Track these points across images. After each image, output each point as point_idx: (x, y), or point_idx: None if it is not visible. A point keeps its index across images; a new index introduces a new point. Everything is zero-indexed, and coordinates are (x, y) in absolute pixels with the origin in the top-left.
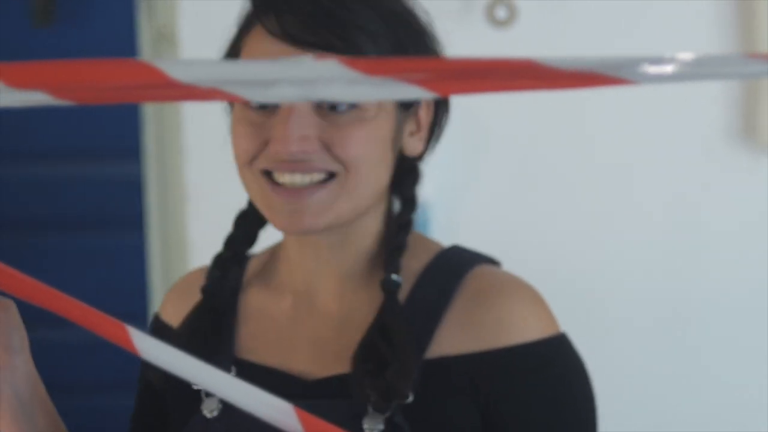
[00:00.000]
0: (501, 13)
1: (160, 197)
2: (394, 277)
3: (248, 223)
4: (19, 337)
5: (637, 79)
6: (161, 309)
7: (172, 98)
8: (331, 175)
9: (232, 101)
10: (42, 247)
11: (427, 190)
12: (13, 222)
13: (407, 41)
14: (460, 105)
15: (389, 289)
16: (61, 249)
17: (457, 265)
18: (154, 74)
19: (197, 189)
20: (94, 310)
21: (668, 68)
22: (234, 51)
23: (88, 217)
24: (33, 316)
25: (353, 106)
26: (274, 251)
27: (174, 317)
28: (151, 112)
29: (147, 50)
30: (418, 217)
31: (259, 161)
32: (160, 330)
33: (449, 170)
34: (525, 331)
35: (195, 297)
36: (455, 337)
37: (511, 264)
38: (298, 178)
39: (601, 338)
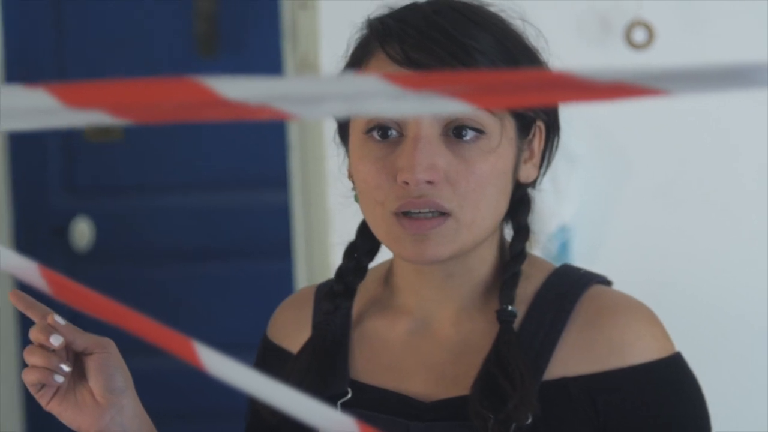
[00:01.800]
0: (639, 36)
1: (305, 224)
2: (509, 308)
3: (358, 254)
4: (122, 376)
5: (672, 90)
6: (269, 329)
7: (223, 116)
8: (447, 213)
9: (282, 118)
10: (195, 274)
11: (567, 213)
12: (168, 250)
13: (522, 59)
14: (601, 129)
15: (505, 319)
16: (214, 276)
17: (571, 286)
18: (205, 93)
19: (340, 215)
20: (160, 325)
21: (701, 77)
22: None
23: (238, 244)
24: (133, 346)
25: (479, 133)
26: (386, 278)
27: (282, 338)
28: (296, 140)
29: (292, 76)
30: (559, 239)
31: (390, 202)
32: (268, 350)
33: (590, 194)
34: (642, 351)
35: (303, 317)
36: (573, 358)
37: (653, 286)
38: (422, 210)
39: (750, 360)
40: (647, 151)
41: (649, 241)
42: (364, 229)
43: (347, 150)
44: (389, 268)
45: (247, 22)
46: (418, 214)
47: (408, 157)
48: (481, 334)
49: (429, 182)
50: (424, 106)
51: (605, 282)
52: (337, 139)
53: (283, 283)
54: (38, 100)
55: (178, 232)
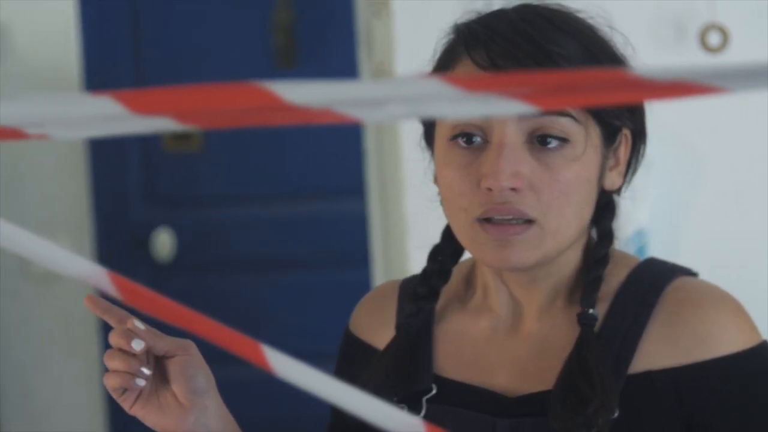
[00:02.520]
0: (714, 39)
1: (383, 232)
2: (591, 311)
3: (443, 257)
4: (204, 377)
5: (732, 87)
6: (352, 323)
7: (286, 120)
8: (531, 220)
9: (344, 122)
10: (275, 283)
11: (643, 216)
12: (249, 260)
13: (608, 66)
14: (675, 132)
15: (585, 323)
16: (293, 285)
17: (656, 279)
18: (269, 97)
19: (417, 222)
20: (229, 329)
21: (760, 74)
22: None
23: (317, 253)
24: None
25: (563, 141)
26: (468, 277)
27: (365, 332)
28: (372, 147)
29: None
30: (635, 243)
31: (473, 209)
32: (351, 344)
33: (666, 196)
34: (727, 343)
35: (387, 313)
36: (658, 351)
37: (730, 287)
38: (505, 217)
39: None
40: (722, 153)
41: (725, 243)
42: (448, 233)
43: (432, 155)
44: (471, 267)
45: (324, 33)
46: (502, 221)
47: (492, 163)
48: (564, 331)
49: (513, 189)
50: (484, 108)
51: (691, 274)
52: (423, 143)
53: (362, 291)
54: (105, 107)
55: (257, 241)
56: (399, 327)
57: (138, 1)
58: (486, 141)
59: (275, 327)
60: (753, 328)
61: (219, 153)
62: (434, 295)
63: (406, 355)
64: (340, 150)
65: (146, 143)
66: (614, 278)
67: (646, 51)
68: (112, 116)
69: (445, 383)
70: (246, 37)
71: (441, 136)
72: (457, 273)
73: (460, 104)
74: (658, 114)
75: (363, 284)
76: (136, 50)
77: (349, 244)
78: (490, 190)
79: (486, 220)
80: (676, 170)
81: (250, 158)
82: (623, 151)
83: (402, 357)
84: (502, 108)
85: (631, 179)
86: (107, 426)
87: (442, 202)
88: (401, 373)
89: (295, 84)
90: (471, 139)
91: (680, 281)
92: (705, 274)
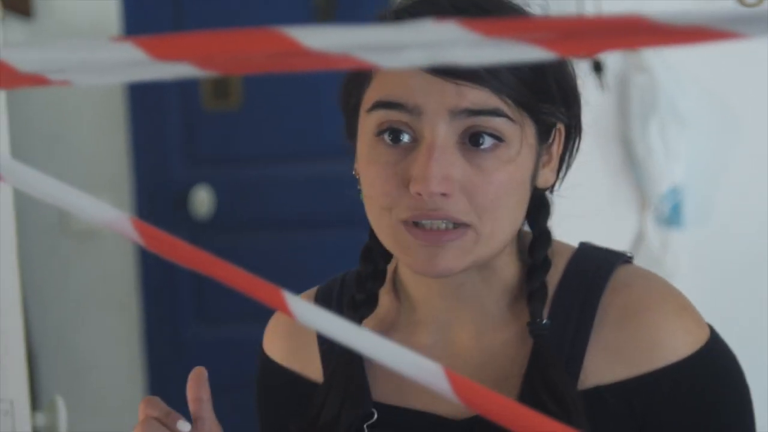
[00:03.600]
0: None
1: None
2: (544, 321)
3: (375, 258)
4: None
5: (750, 33)
6: (268, 349)
7: (306, 66)
8: (466, 224)
9: (363, 67)
10: (313, 241)
11: (678, 173)
12: (288, 218)
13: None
14: (711, 89)
15: (539, 333)
16: (332, 243)
17: (595, 272)
18: (288, 43)
19: None
20: (251, 275)
21: None
22: (365, 75)
23: (355, 212)
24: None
25: (497, 141)
26: (396, 290)
27: (285, 357)
28: None
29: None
30: (670, 200)
31: (399, 210)
32: (272, 372)
33: (702, 154)
34: (675, 349)
35: (304, 332)
36: (605, 363)
37: (763, 249)
38: (436, 222)
39: None
40: (757, 109)
41: (761, 199)
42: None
43: (355, 147)
44: (393, 276)
45: None
46: (432, 224)
47: (422, 167)
48: (506, 344)
49: (443, 195)
50: (503, 54)
51: (627, 260)
52: (345, 134)
53: None
54: (126, 53)
55: (296, 199)
56: (339, 349)
57: None
58: (414, 140)
59: (314, 285)
60: (698, 323)
61: (258, 111)
62: (373, 299)
63: (347, 381)
64: None
65: (186, 101)
66: (552, 275)
67: (683, 7)
68: (133, 62)
69: (386, 410)
70: None
71: (366, 129)
72: (383, 289)
73: (478, 50)
74: (692, 70)
75: None
76: (176, 8)
77: None
78: (419, 194)
79: (414, 224)
80: (711, 127)
81: (289, 117)
82: (556, 146)
83: (344, 383)
84: (522, 54)
85: (564, 176)
86: (146, 382)
87: (364, 200)
88: (344, 401)
89: (314, 29)
90: (398, 136)
91: (619, 275)
92: (740, 231)
